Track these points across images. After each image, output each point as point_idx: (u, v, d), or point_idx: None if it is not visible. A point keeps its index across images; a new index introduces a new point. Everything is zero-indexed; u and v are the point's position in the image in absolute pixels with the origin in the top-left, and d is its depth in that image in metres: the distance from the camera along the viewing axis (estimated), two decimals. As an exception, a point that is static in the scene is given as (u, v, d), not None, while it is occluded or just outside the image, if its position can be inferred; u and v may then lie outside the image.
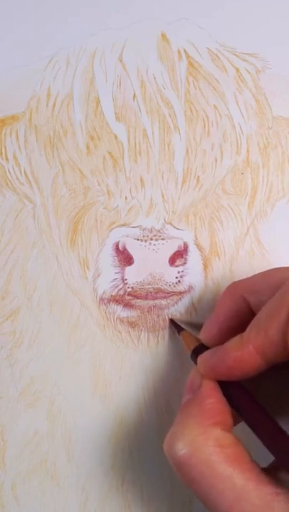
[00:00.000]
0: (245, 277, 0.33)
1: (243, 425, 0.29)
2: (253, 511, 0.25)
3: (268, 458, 0.28)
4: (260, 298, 0.31)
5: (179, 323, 0.36)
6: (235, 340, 0.29)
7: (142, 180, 0.38)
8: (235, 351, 0.29)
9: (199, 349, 0.32)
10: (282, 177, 0.39)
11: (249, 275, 0.33)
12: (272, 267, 0.32)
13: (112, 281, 0.37)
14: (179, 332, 0.36)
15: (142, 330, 0.37)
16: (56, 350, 0.38)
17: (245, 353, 0.28)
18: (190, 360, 0.33)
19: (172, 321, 0.37)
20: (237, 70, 0.39)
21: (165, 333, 0.38)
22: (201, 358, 0.31)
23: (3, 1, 0.40)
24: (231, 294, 0.33)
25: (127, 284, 0.37)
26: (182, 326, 0.36)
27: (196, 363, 0.32)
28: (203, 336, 0.33)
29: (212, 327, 0.33)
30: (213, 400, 0.29)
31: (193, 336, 0.34)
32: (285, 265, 0.32)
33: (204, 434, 0.27)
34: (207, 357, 0.31)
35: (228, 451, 0.27)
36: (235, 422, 0.30)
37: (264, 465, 0.28)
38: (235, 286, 0.33)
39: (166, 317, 0.37)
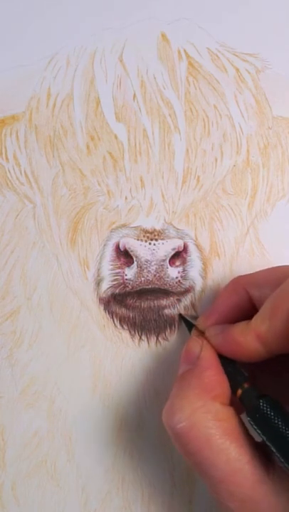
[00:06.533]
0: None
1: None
2: (245, 485, 0.26)
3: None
4: (263, 291, 0.31)
5: (188, 318, 0.36)
6: (241, 326, 0.30)
7: (142, 180, 0.38)
8: (239, 336, 0.29)
9: None
10: (282, 177, 0.39)
11: (249, 275, 0.33)
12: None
13: (112, 281, 0.37)
14: (189, 329, 0.36)
15: (142, 330, 0.37)
16: (56, 350, 0.38)
17: (248, 340, 0.29)
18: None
19: (181, 316, 0.37)
20: (237, 70, 0.39)
21: (165, 333, 0.37)
22: (209, 332, 0.32)
23: (3, 1, 0.40)
24: (234, 287, 0.33)
25: (127, 284, 0.37)
26: (192, 321, 0.36)
27: None
28: (200, 322, 0.34)
29: (210, 316, 0.33)
30: (213, 372, 0.29)
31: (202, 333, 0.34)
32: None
33: (204, 407, 0.28)
34: (215, 332, 0.31)
35: (226, 424, 0.27)
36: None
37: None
38: (239, 279, 0.33)
39: (166, 317, 0.37)
